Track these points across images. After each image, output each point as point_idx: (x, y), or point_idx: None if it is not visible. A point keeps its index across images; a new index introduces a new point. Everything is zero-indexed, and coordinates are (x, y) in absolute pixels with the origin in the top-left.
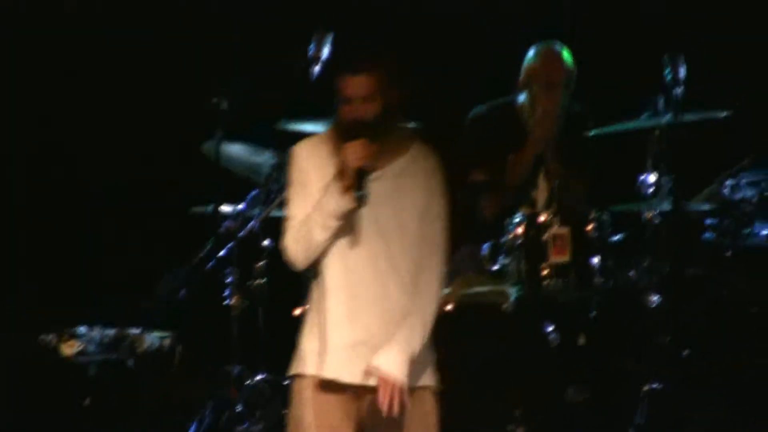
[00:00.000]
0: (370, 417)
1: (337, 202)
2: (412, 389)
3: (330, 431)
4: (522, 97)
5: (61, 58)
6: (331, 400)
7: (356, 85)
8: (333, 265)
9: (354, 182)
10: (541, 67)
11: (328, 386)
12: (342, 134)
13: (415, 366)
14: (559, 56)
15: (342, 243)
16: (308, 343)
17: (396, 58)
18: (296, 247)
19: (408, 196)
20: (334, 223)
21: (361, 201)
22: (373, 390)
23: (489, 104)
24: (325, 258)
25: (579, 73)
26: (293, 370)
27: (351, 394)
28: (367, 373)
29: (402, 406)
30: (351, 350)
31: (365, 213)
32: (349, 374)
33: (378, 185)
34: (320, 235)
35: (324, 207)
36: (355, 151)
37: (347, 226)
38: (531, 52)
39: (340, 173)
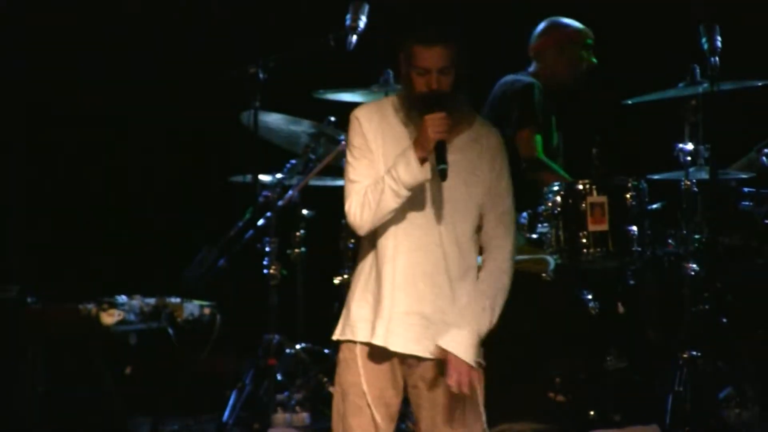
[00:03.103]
0: (417, 386)
1: (414, 173)
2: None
3: (379, 398)
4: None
5: (99, 29)
6: (381, 366)
7: (433, 56)
8: (394, 233)
9: (434, 154)
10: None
11: (378, 352)
12: (417, 105)
13: None
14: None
15: (405, 212)
16: (359, 310)
17: (463, 30)
18: (362, 212)
19: (473, 170)
20: (406, 193)
21: (442, 174)
22: (421, 360)
23: (523, 75)
24: (387, 225)
25: (617, 43)
26: (342, 335)
27: (399, 362)
28: (437, 353)
29: (471, 387)
30: (403, 318)
31: (431, 184)
32: (399, 343)
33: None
34: (391, 203)
35: (400, 176)
36: (437, 124)
37: (413, 196)
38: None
39: (419, 143)
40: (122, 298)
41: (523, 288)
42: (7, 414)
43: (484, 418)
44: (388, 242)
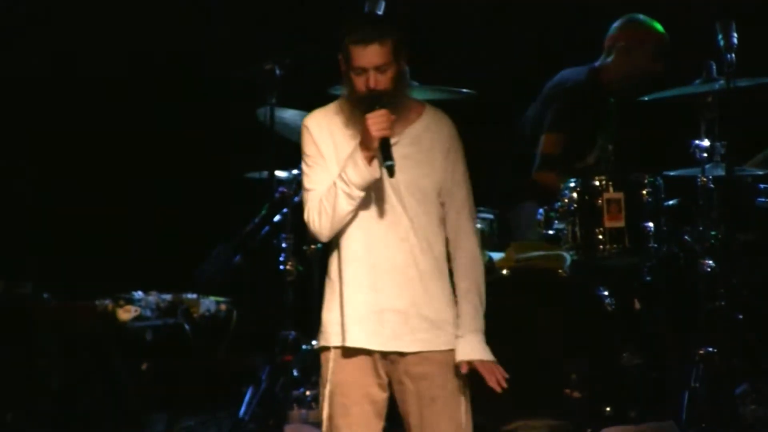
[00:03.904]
0: (402, 382)
1: (363, 173)
2: (445, 351)
3: (365, 396)
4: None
5: (117, 28)
6: (362, 365)
7: (369, 55)
8: (353, 235)
9: (380, 152)
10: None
11: (358, 352)
12: (358, 105)
13: (445, 329)
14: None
15: (362, 212)
16: (330, 315)
17: (401, 24)
18: (320, 219)
19: (428, 160)
20: (359, 194)
21: (389, 170)
22: (404, 355)
23: (579, 72)
24: (349, 226)
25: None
26: (319, 343)
27: (381, 359)
28: (464, 368)
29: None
30: (376, 317)
31: (384, 181)
32: (376, 342)
33: (394, 152)
34: (346, 206)
35: (349, 178)
36: (378, 122)
37: (367, 195)
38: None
39: (363, 143)
40: (138, 294)
41: (539, 284)
42: (23, 410)
43: (470, 411)
44: (351, 243)
